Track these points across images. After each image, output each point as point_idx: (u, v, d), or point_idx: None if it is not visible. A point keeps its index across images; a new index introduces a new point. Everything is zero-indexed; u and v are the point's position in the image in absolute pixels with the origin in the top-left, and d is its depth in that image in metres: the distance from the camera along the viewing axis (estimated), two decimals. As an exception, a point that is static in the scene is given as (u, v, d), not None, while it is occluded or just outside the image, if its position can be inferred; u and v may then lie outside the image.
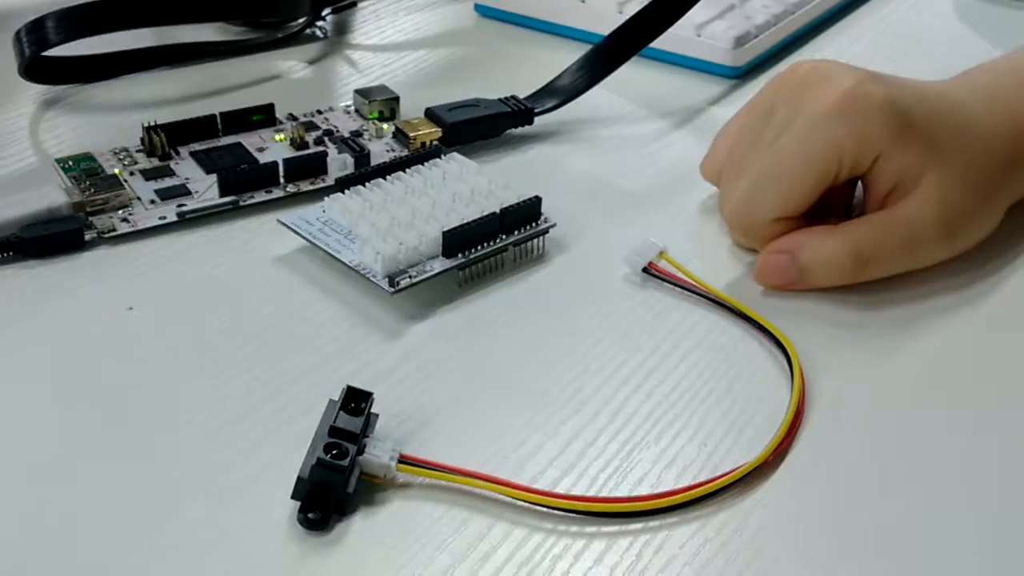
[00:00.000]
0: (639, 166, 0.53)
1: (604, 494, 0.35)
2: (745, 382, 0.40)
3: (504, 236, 0.45)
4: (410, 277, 0.42)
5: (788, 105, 0.44)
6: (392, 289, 0.42)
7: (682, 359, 0.41)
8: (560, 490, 0.35)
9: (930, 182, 0.43)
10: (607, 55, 0.56)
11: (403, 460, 0.35)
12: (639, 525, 0.34)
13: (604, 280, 0.45)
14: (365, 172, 0.47)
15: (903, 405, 0.39)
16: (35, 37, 0.54)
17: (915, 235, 0.43)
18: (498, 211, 0.44)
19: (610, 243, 0.46)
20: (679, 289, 0.44)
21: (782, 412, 0.38)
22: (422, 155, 0.48)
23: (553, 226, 0.46)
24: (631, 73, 0.56)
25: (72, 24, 0.55)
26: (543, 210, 0.46)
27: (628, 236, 0.46)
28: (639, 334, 0.42)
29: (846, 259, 0.43)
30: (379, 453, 0.35)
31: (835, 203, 0.46)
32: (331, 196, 0.46)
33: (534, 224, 0.46)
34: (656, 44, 0.57)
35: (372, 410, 0.36)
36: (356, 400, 0.36)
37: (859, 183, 0.46)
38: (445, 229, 0.43)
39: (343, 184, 0.46)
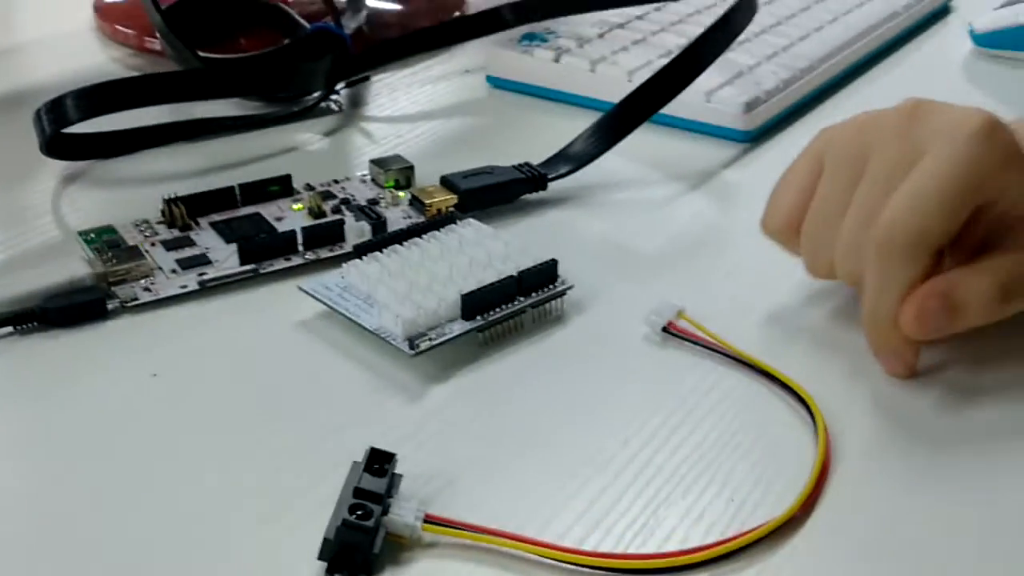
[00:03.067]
0: (653, 229, 0.53)
1: (632, 551, 0.35)
2: (770, 438, 0.40)
3: (522, 298, 0.45)
4: (430, 339, 0.42)
5: (903, 139, 0.43)
6: (412, 351, 0.42)
7: (705, 416, 0.41)
8: (587, 548, 0.35)
9: None
10: (618, 122, 0.57)
11: (428, 520, 0.35)
12: (668, 581, 0.34)
13: (624, 340, 0.45)
14: (382, 239, 0.47)
15: (930, 455, 0.39)
16: (54, 116, 0.55)
17: None
18: (515, 274, 0.45)
19: (628, 304, 0.46)
20: (699, 348, 0.44)
21: (808, 466, 0.38)
22: (438, 221, 0.49)
23: (570, 287, 0.46)
24: (643, 139, 0.57)
25: (90, 102, 0.56)
26: (560, 272, 0.46)
27: (646, 296, 0.46)
28: (661, 392, 0.42)
29: (995, 295, 0.42)
30: (404, 513, 0.35)
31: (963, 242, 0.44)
32: (349, 262, 0.46)
33: (551, 286, 0.46)
34: (667, 110, 0.58)
35: (396, 471, 0.36)
36: (380, 461, 0.36)
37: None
38: (463, 292, 0.43)
39: (361, 250, 0.47)
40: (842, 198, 0.44)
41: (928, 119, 0.43)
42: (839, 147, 0.45)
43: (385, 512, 0.35)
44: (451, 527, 0.35)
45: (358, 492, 0.35)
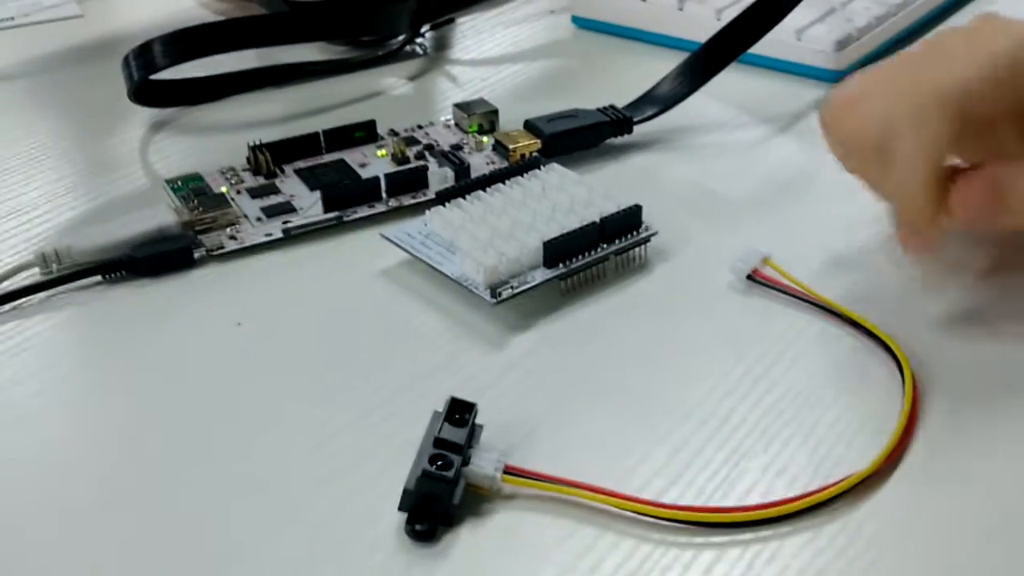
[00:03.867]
0: (741, 172, 0.52)
1: (713, 504, 0.35)
2: (855, 389, 0.39)
3: (605, 245, 0.45)
4: (511, 288, 0.42)
5: (960, 34, 0.42)
6: (494, 300, 0.42)
7: (790, 366, 0.40)
8: (667, 500, 0.35)
9: None
10: (706, 62, 0.56)
11: (508, 471, 0.35)
12: (749, 535, 0.34)
13: (708, 288, 0.44)
14: (465, 185, 0.47)
15: (1019, 409, 0.38)
16: (143, 62, 0.56)
17: None
18: (598, 220, 0.44)
19: (713, 250, 0.46)
20: (785, 295, 0.43)
21: (894, 419, 0.37)
22: (521, 166, 0.48)
23: (654, 234, 0.45)
24: (730, 79, 0.56)
25: (178, 48, 0.56)
26: (644, 218, 0.46)
27: (731, 243, 0.45)
28: (745, 341, 0.41)
29: None
30: (484, 464, 0.35)
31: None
32: (432, 209, 0.46)
33: (635, 233, 0.45)
34: (756, 49, 0.57)
35: (476, 421, 0.36)
36: (460, 411, 0.36)
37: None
38: (546, 239, 0.43)
39: (444, 197, 0.46)
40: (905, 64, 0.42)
41: (989, 22, 0.42)
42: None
43: (465, 463, 0.35)
44: (531, 479, 0.35)
45: (439, 442, 0.35)
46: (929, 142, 0.39)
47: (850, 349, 0.41)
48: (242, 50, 0.59)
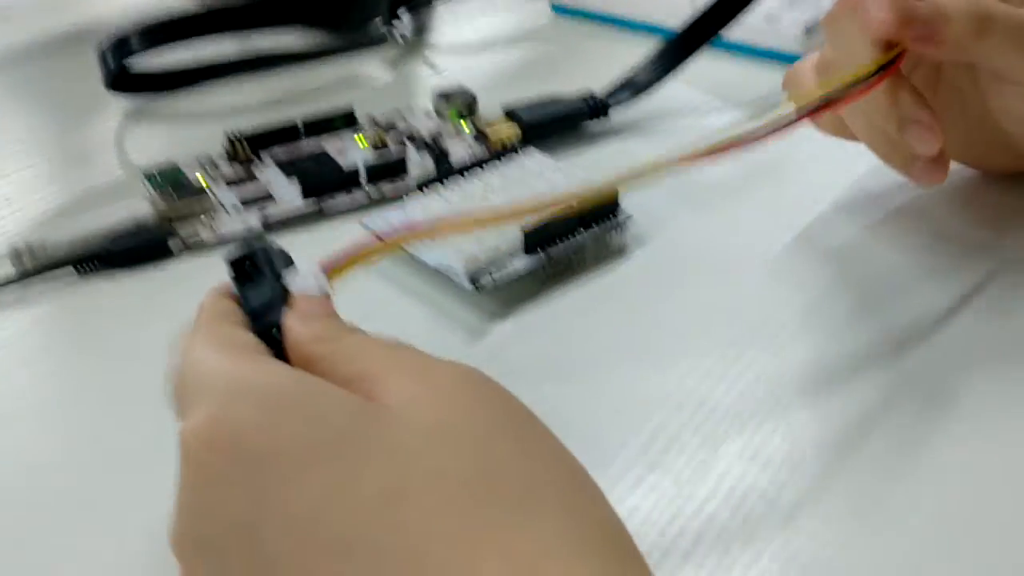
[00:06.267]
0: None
1: (689, 489, 0.35)
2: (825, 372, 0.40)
3: (583, 230, 0.45)
4: (491, 276, 0.43)
5: None
6: (474, 288, 0.42)
7: (763, 349, 0.40)
8: (645, 486, 0.35)
9: None
10: (680, 47, 0.56)
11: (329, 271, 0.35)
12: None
13: (684, 272, 0.45)
14: (445, 172, 0.47)
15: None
16: (119, 48, 0.56)
17: None
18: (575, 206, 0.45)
19: (690, 234, 0.46)
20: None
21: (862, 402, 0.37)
22: (500, 153, 0.49)
23: (629, 218, 0.46)
24: (705, 64, 0.56)
25: (154, 35, 0.56)
26: (622, 204, 0.46)
27: (707, 226, 0.46)
28: (720, 325, 0.42)
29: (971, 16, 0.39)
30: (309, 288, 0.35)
31: None
32: (412, 197, 0.46)
33: (612, 217, 0.46)
34: (728, 34, 0.57)
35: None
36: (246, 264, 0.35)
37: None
38: (524, 226, 0.43)
39: (423, 185, 0.47)
40: None
41: None
42: None
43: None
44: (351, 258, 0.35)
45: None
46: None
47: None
48: (218, 35, 0.59)
